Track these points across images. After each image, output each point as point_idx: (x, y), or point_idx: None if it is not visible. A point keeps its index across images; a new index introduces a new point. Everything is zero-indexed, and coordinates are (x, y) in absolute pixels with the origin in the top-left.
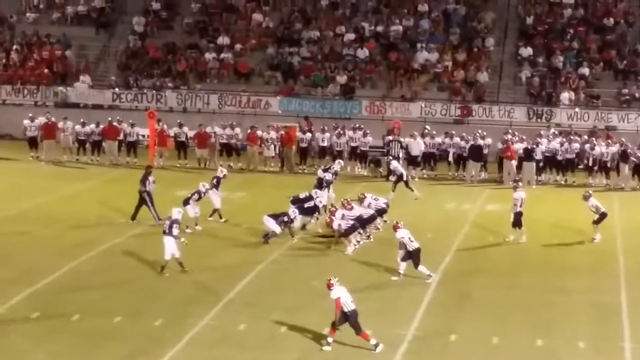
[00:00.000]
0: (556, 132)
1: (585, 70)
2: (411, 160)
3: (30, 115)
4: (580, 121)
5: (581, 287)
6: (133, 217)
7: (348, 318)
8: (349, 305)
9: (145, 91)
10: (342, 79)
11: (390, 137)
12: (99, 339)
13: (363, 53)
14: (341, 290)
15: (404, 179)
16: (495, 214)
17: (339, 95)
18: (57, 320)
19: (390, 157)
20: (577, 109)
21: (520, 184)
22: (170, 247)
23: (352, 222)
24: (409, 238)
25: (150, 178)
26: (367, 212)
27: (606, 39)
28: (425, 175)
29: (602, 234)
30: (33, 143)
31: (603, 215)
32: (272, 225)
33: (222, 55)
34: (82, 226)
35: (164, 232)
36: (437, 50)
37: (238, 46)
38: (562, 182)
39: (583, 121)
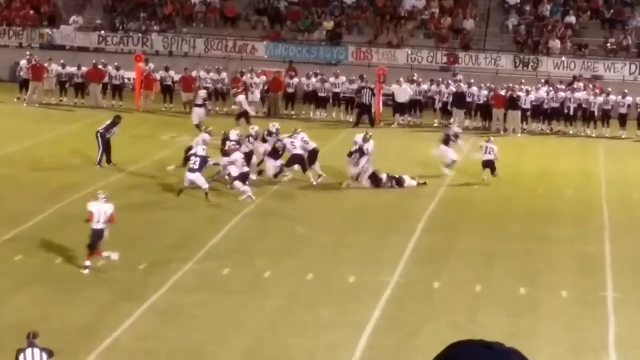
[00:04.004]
0: (542, 81)
1: (572, 19)
2: (397, 107)
3: (29, 55)
4: (566, 70)
5: (565, 236)
6: (108, 161)
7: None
8: (98, 224)
9: (131, 34)
10: (328, 24)
11: (362, 84)
12: (82, 282)
13: None
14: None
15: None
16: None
17: (326, 40)
18: (41, 262)
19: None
20: (563, 58)
21: (491, 138)
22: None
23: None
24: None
25: (115, 128)
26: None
27: None
28: (411, 123)
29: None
30: (25, 85)
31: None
32: (271, 164)
33: None
34: (67, 169)
35: (191, 170)
36: None
37: None
38: (548, 131)
39: (569, 70)
